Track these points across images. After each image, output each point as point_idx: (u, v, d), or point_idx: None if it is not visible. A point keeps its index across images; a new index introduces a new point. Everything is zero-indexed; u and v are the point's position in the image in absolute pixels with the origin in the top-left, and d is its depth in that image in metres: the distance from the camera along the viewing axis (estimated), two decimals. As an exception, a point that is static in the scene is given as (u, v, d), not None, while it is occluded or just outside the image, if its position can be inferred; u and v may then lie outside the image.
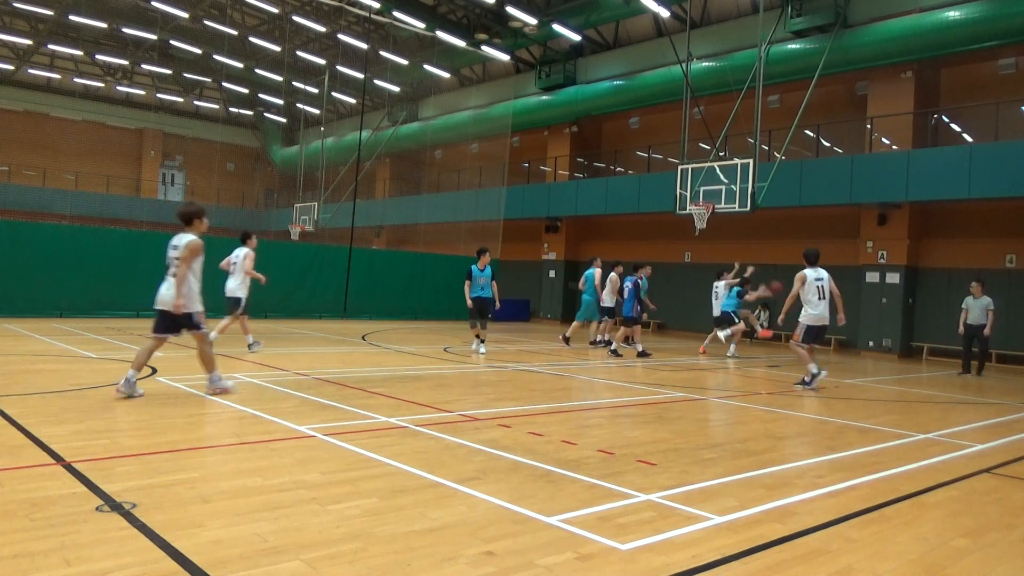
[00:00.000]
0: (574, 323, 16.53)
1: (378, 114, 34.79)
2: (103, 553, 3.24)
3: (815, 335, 10.47)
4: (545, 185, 27.02)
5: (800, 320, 10.55)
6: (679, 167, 17.98)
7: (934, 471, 5.78)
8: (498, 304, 13.66)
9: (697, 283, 23.34)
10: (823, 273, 10.42)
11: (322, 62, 31.26)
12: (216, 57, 33.15)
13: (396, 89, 32.57)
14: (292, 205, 33.37)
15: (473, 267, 13.41)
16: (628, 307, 14.77)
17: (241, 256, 11.59)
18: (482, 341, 13.56)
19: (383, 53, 29.36)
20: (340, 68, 30.90)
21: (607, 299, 16.28)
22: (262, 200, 44.90)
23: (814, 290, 10.28)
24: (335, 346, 13.80)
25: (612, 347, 14.69)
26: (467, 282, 13.32)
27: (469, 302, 13.38)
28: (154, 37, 30.99)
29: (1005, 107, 17.80)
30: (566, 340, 16.03)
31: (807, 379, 10.45)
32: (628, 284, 14.84)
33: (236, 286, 11.59)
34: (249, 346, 11.75)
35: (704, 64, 21.21)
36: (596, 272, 15.98)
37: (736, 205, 16.70)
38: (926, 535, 4.16)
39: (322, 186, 30.54)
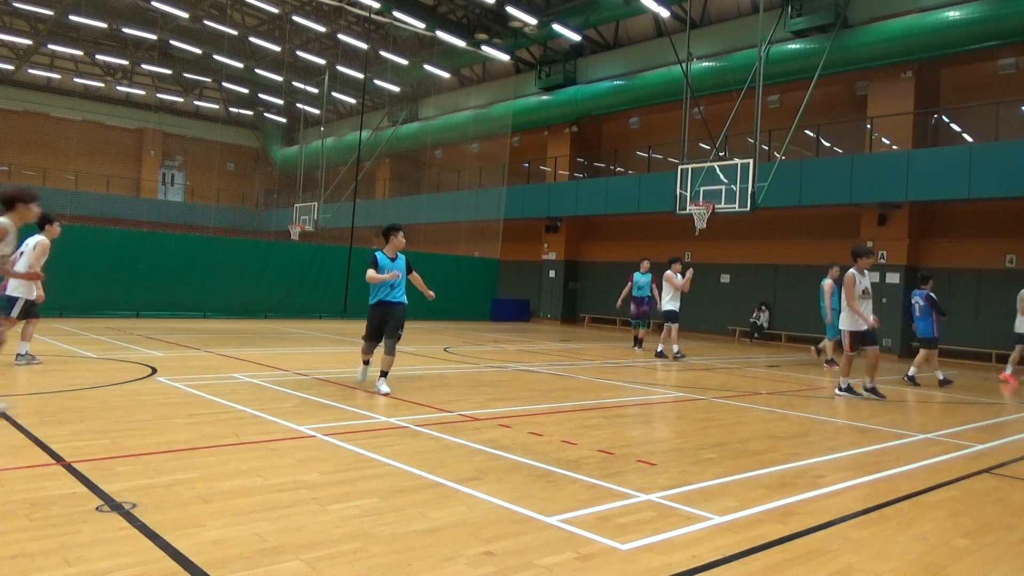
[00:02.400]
0: (827, 341, 14.16)
1: (378, 114, 34.79)
2: (103, 553, 3.24)
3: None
4: (545, 185, 27.01)
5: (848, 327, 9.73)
6: (679, 167, 17.98)
7: (934, 471, 5.78)
8: (433, 296, 8.98)
9: (697, 283, 23.33)
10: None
11: (322, 62, 31.27)
12: (216, 57, 33.15)
13: (396, 89, 32.57)
14: (292, 205, 33.39)
15: (379, 255, 8.30)
16: (927, 326, 12.01)
17: (31, 246, 8.93)
18: (384, 374, 8.25)
19: (383, 53, 29.36)
20: (340, 68, 30.91)
21: (667, 302, 14.33)
22: (262, 200, 44.91)
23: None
24: (335, 346, 13.80)
25: (910, 374, 11.84)
26: (371, 272, 8.16)
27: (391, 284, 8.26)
28: (154, 37, 30.99)
29: (1005, 107, 17.79)
30: (831, 362, 13.89)
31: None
32: (919, 299, 12.10)
33: (15, 283, 8.72)
34: (17, 356, 9.19)
35: (704, 64, 21.21)
36: (825, 283, 13.73)
37: (736, 205, 16.70)
38: (926, 535, 4.16)
39: (322, 186, 30.55)
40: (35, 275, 7.63)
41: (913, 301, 12.30)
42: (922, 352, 12.07)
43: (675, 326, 14.30)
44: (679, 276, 14.40)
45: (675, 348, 14.25)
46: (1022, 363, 12.66)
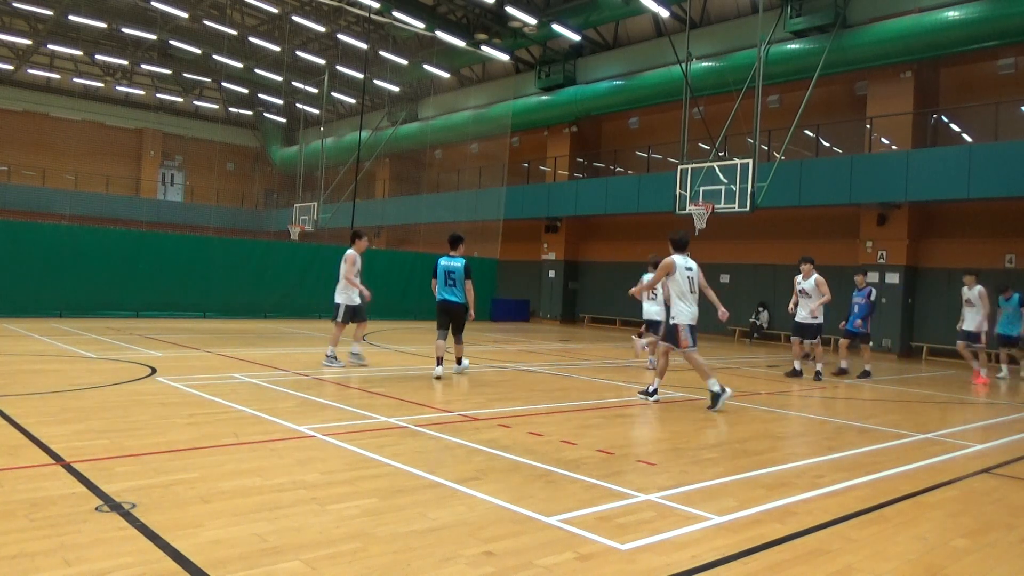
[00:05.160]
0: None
1: (378, 114, 34.79)
2: (103, 553, 3.24)
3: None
4: (545, 185, 27.02)
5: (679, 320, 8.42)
6: (679, 167, 17.98)
7: (934, 471, 5.78)
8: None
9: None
10: (692, 264, 8.82)
11: (322, 62, 31.26)
12: (216, 57, 33.14)
13: (396, 89, 32.57)
14: (292, 205, 33.37)
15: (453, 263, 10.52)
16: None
17: (342, 259, 10.91)
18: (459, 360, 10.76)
19: (383, 53, 29.36)
20: (340, 68, 30.90)
21: (820, 312, 11.80)
22: (262, 200, 44.89)
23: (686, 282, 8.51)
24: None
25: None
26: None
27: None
28: (154, 37, 30.98)
29: (1005, 107, 17.80)
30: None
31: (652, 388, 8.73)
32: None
33: (337, 291, 10.93)
34: (352, 354, 10.81)
35: (704, 64, 21.21)
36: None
37: (736, 205, 16.69)
38: (926, 535, 4.16)
39: (322, 186, 30.53)
40: (358, 285, 10.51)
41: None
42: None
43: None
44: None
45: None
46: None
